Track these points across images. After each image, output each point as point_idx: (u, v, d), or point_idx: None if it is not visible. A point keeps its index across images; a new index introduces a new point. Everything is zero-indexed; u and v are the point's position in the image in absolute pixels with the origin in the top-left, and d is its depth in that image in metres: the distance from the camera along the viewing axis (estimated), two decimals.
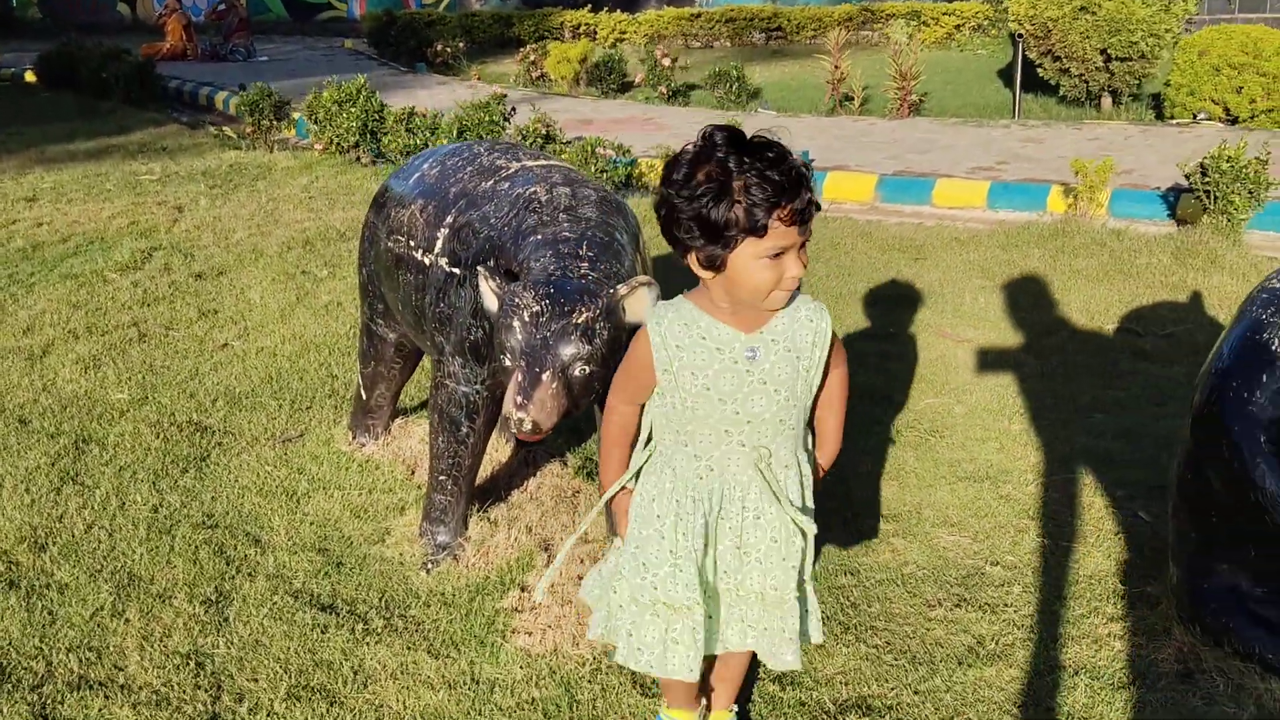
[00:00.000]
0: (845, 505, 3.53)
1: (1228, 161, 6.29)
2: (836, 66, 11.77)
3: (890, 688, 2.66)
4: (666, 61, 13.26)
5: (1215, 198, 6.34)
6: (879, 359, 4.78)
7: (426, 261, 3.10)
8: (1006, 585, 3.08)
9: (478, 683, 2.68)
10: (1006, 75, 12.32)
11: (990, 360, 4.75)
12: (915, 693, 2.64)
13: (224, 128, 10.88)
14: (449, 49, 16.42)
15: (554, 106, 11.93)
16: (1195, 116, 10.17)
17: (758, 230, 1.89)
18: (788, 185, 1.89)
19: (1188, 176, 6.54)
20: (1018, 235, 6.65)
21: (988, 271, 6.01)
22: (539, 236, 2.83)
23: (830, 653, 2.79)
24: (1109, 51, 10.76)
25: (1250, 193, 6.28)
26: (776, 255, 1.93)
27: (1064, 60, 11.04)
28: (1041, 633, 2.85)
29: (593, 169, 7.67)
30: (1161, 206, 7.10)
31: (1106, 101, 11.20)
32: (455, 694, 2.64)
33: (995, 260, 6.21)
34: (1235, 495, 2.54)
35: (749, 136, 1.97)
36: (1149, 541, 3.20)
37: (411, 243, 3.18)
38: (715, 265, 1.96)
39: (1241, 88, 9.92)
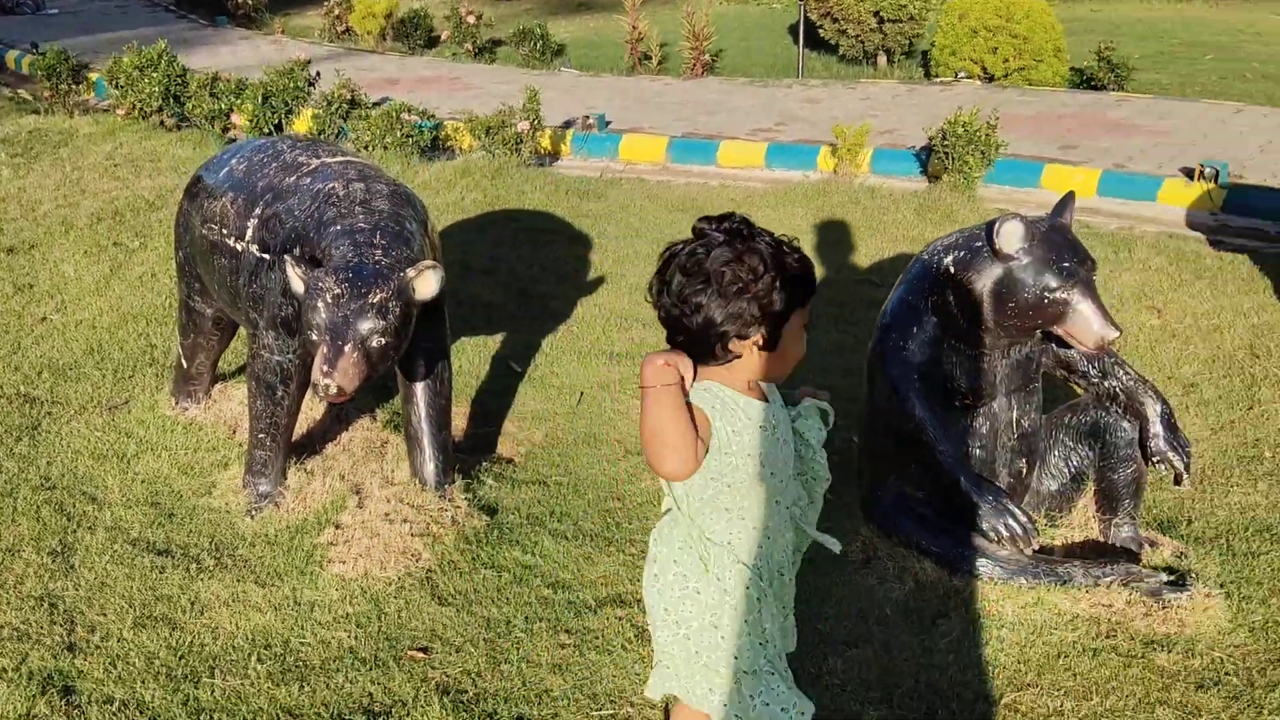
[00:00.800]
0: (617, 445, 4.17)
1: (963, 127, 7.16)
2: (634, 26, 12.32)
3: (639, 586, 3.31)
4: (471, 19, 13.55)
5: (953, 158, 7.22)
6: (655, 315, 5.41)
7: (239, 248, 3.56)
8: None
9: (299, 604, 3.21)
10: (797, 32, 13.13)
11: None
12: None
13: (19, 90, 10.70)
14: (250, 0, 16.24)
15: (359, 65, 12.14)
16: (957, 75, 11.15)
17: (805, 302, 2.07)
18: (806, 260, 2.08)
19: (930, 139, 7.40)
20: (788, 194, 7.39)
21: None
22: (338, 227, 3.32)
23: (595, 561, 3.43)
24: (881, 14, 11.66)
25: (982, 153, 7.17)
26: (806, 324, 2.10)
27: (841, 22, 11.89)
28: None
29: (399, 133, 8.05)
30: (915, 164, 7.96)
31: (882, 60, 12.13)
32: (281, 614, 3.16)
33: (767, 219, 6.90)
34: (898, 422, 3.27)
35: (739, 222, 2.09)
36: (855, 460, 3.94)
37: (224, 231, 3.62)
38: (775, 344, 2.05)
39: (996, 48, 10.93)
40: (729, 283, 1.99)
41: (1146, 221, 6.98)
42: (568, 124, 9.12)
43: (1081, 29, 14.14)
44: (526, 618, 3.18)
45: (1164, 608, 3.09)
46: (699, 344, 2.05)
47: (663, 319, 2.09)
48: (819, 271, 5.95)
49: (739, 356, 2.06)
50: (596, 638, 3.09)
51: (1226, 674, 2.90)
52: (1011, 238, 3.05)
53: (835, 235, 6.52)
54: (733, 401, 2.09)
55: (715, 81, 11.52)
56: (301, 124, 8.80)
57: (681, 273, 2.03)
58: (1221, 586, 3.21)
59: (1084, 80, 10.80)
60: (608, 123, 9.28)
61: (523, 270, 6.00)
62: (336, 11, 15.02)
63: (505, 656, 3.02)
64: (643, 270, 6.04)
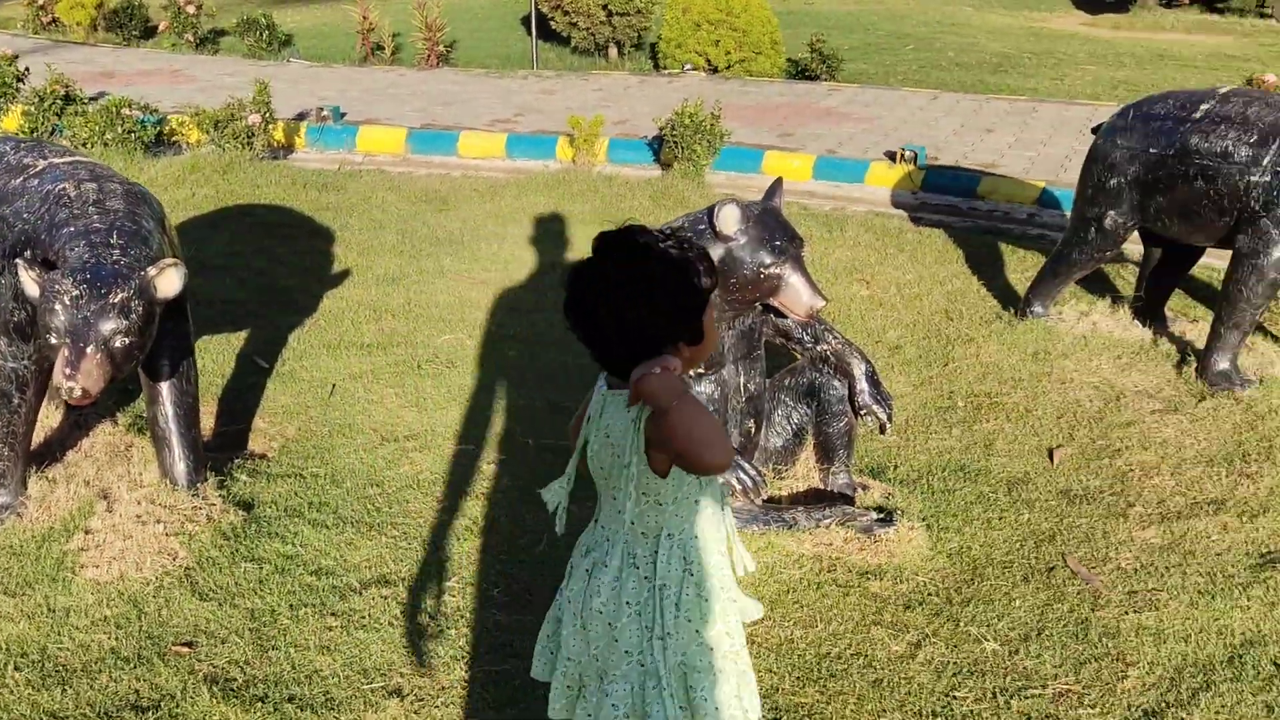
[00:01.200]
0: (373, 433, 4.26)
1: (690, 117, 7.56)
2: (364, 16, 12.21)
3: (405, 566, 3.44)
4: (191, 8, 13.04)
5: (682, 147, 7.61)
6: (404, 305, 5.52)
7: None
8: (496, 478, 3.96)
9: (54, 611, 3.16)
10: (530, 23, 13.33)
11: (498, 298, 5.63)
12: (423, 565, 3.44)
13: None
14: None
15: (70, 58, 11.49)
16: (684, 67, 11.67)
17: (714, 288, 2.09)
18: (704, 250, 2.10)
19: (661, 129, 7.77)
20: (530, 184, 7.59)
21: (503, 218, 6.89)
22: (71, 229, 3.27)
23: (358, 546, 3.53)
24: (610, 7, 12.03)
25: (709, 142, 7.60)
26: None
27: (572, 14, 12.19)
28: (512, 509, 3.75)
29: (120, 130, 7.73)
30: (649, 153, 8.33)
31: (613, 52, 12.52)
32: (35, 622, 3.11)
33: (510, 208, 7.11)
34: None
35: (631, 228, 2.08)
36: None
37: None
38: (700, 336, 2.05)
39: (719, 41, 11.51)
40: (672, 288, 1.99)
41: (856, 202, 7.60)
42: (301, 116, 8.99)
43: (796, 22, 15.02)
44: (291, 605, 3.25)
45: (875, 542, 3.49)
46: (639, 353, 2.00)
47: (594, 338, 2.04)
48: (562, 257, 6.20)
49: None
50: (363, 618, 3.20)
51: (929, 594, 3.32)
52: (729, 220, 3.36)
53: (577, 223, 6.78)
54: None
55: (451, 72, 11.59)
56: (10, 122, 8.30)
57: (617, 289, 1.98)
58: (923, 520, 3.65)
59: (799, 71, 11.53)
60: (343, 115, 9.21)
61: (264, 266, 5.95)
62: (41, 1, 14.11)
63: (272, 644, 3.09)
64: (389, 262, 6.10)
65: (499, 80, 11.16)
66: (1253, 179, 4.40)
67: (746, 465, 3.47)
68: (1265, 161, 4.38)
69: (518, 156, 8.54)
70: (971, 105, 10.14)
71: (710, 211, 3.41)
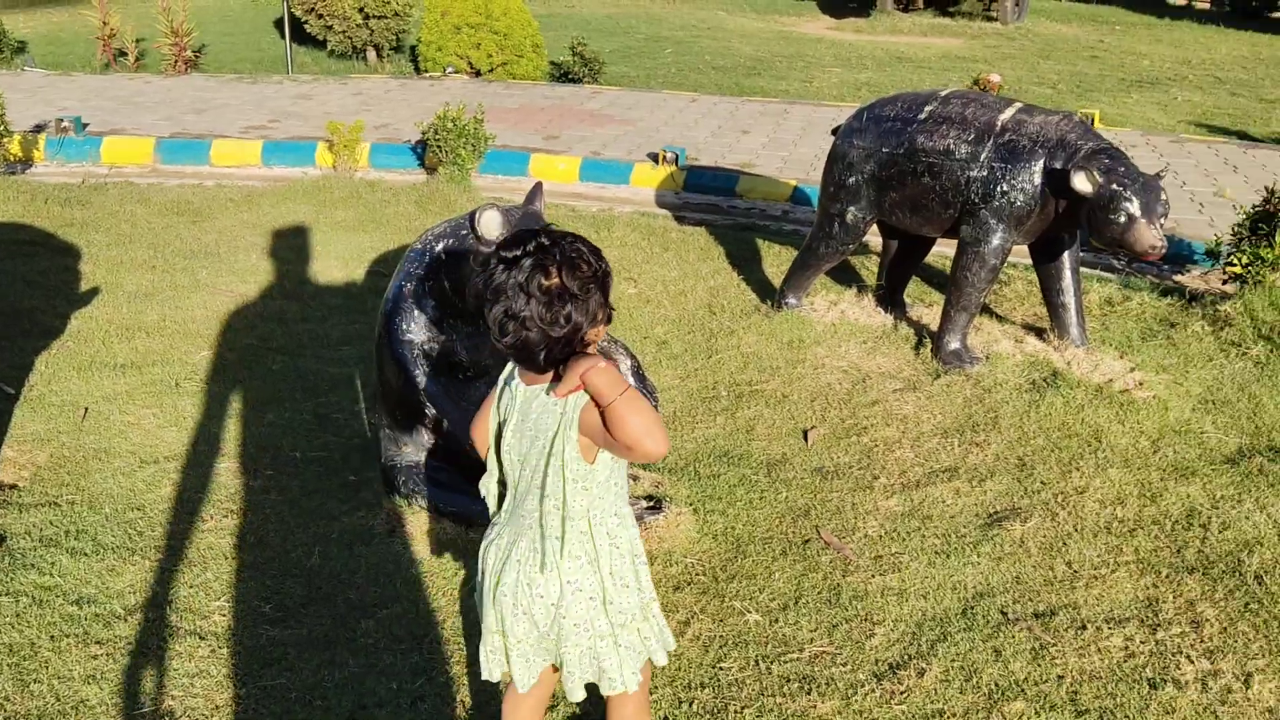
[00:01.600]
0: (131, 456, 4.12)
1: (452, 121, 7.58)
2: (105, 21, 11.61)
3: (171, 589, 3.36)
4: None
5: (446, 151, 7.62)
6: (159, 322, 5.32)
7: None
8: (264, 493, 3.90)
9: None
10: (283, 26, 12.97)
11: (258, 310, 5.51)
12: (190, 587, 3.37)
13: None
14: None
15: None
16: (445, 70, 11.64)
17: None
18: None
19: (424, 134, 7.76)
20: (288, 191, 7.43)
21: (260, 228, 6.73)
22: None
23: (121, 572, 3.42)
24: (366, 10, 11.86)
25: (473, 146, 7.64)
26: None
27: (327, 17, 11.95)
28: (282, 523, 3.71)
29: None
30: (413, 158, 8.29)
31: (372, 55, 12.35)
32: None
33: (268, 217, 6.94)
34: (409, 398, 3.57)
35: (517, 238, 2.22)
36: (374, 438, 4.20)
37: None
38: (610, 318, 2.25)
39: (480, 44, 11.54)
40: (582, 285, 2.16)
41: (623, 202, 7.80)
42: (39, 128, 8.50)
43: (558, 25, 15.21)
44: (53, 637, 3.12)
45: (646, 529, 3.64)
46: (560, 351, 2.17)
47: (518, 344, 2.17)
48: (325, 266, 6.11)
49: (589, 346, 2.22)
50: (130, 644, 3.11)
51: (698, 575, 3.49)
52: (490, 225, 3.43)
53: (340, 230, 6.69)
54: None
55: (201, 79, 11.17)
56: None
57: (535, 294, 2.13)
58: (690, 505, 3.83)
59: (562, 74, 11.70)
60: (85, 125, 8.76)
61: (5, 286, 5.61)
62: None
63: (34, 677, 2.96)
64: (140, 277, 5.86)
65: (252, 86, 10.84)
66: (972, 174, 4.81)
67: None
68: (982, 158, 4.79)
69: (275, 164, 8.34)
70: (728, 107, 10.55)
71: (472, 217, 3.48)
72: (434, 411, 3.54)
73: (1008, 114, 4.87)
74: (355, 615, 3.26)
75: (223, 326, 5.31)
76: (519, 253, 2.16)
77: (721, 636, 3.21)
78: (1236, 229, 5.79)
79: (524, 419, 2.28)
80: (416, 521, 3.65)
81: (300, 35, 12.19)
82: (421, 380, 3.53)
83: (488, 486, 2.45)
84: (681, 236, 6.88)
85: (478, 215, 3.44)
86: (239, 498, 3.88)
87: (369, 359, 4.94)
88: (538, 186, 3.74)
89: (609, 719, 2.54)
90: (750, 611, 3.31)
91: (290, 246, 6.42)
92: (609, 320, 2.25)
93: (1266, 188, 5.79)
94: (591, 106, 10.25)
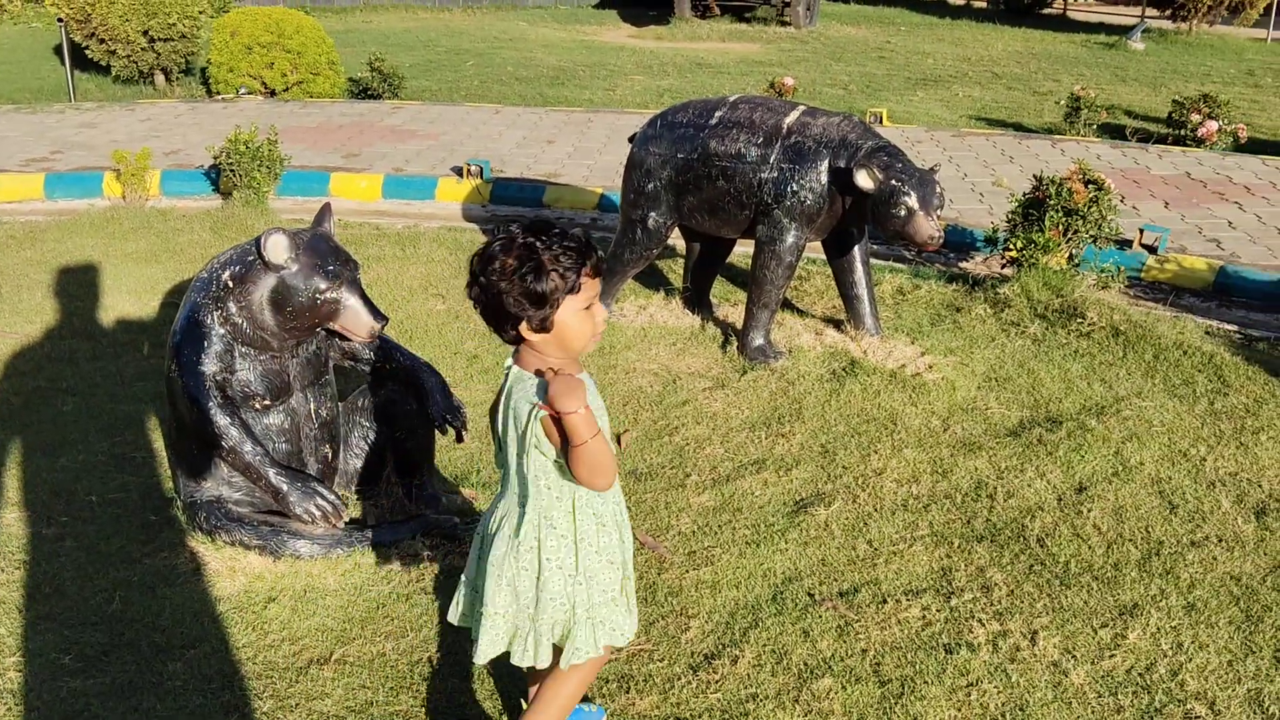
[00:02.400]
0: None
1: (245, 144, 7.38)
2: None
3: None
4: None
5: (241, 175, 7.42)
6: None
7: None
8: (59, 540, 3.73)
9: None
10: (62, 52, 12.38)
11: (46, 351, 5.25)
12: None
13: None
14: None
15: None
16: (239, 91, 11.31)
17: (574, 289, 2.32)
18: (583, 248, 2.34)
19: (215, 159, 7.53)
20: (75, 225, 7.10)
21: (46, 265, 6.40)
22: None
23: None
24: (151, 33, 11.42)
25: (268, 168, 7.46)
26: (588, 306, 2.37)
27: (109, 42, 11.46)
28: (79, 570, 3.56)
29: None
30: (206, 183, 8.03)
31: (160, 79, 11.89)
32: None
33: (53, 253, 6.61)
34: (202, 431, 3.47)
35: (526, 223, 2.38)
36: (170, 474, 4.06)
37: None
38: (546, 327, 2.33)
39: (273, 63, 11.25)
40: (498, 279, 2.30)
41: (429, 218, 7.75)
42: None
43: (355, 40, 14.97)
44: None
45: (460, 545, 3.64)
46: (500, 323, 2.37)
47: (477, 298, 2.37)
48: (116, 300, 5.86)
49: (523, 338, 2.37)
50: None
51: None
52: (278, 249, 3.38)
53: (132, 261, 6.43)
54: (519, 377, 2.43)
55: None
56: None
57: (482, 262, 2.34)
58: None
59: (361, 90, 11.52)
60: None
61: None
62: None
63: None
64: None
65: (31, 116, 10.30)
66: (763, 176, 4.98)
67: (324, 491, 3.51)
68: (772, 160, 4.97)
69: (59, 197, 7.96)
70: (532, 118, 10.60)
71: (258, 242, 3.41)
72: (230, 444, 3.45)
73: (792, 117, 5.06)
74: (161, 659, 3.15)
75: (6, 371, 5.04)
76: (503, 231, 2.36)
77: None
78: (1011, 216, 6.17)
79: (508, 398, 2.44)
80: (221, 558, 3.55)
81: (82, 61, 11.65)
82: (215, 413, 3.44)
83: (498, 459, 2.59)
84: None
85: (264, 240, 3.38)
86: (30, 548, 3.69)
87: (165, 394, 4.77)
88: (326, 208, 3.69)
89: (548, 688, 2.63)
90: None
91: (79, 282, 6.14)
92: (541, 329, 2.35)
93: (1034, 175, 6.19)
94: (392, 122, 10.14)
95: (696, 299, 5.80)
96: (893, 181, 4.75)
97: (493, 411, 2.55)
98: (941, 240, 4.78)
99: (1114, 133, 10.45)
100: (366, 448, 3.90)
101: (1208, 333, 5.63)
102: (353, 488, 3.89)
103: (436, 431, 3.89)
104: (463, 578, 2.71)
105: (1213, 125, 9.56)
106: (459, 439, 3.89)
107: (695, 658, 3.18)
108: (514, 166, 8.73)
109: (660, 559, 3.66)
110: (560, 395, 2.29)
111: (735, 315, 5.67)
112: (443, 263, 6.60)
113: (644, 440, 4.49)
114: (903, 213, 4.74)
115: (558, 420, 2.31)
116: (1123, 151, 9.33)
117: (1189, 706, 2.96)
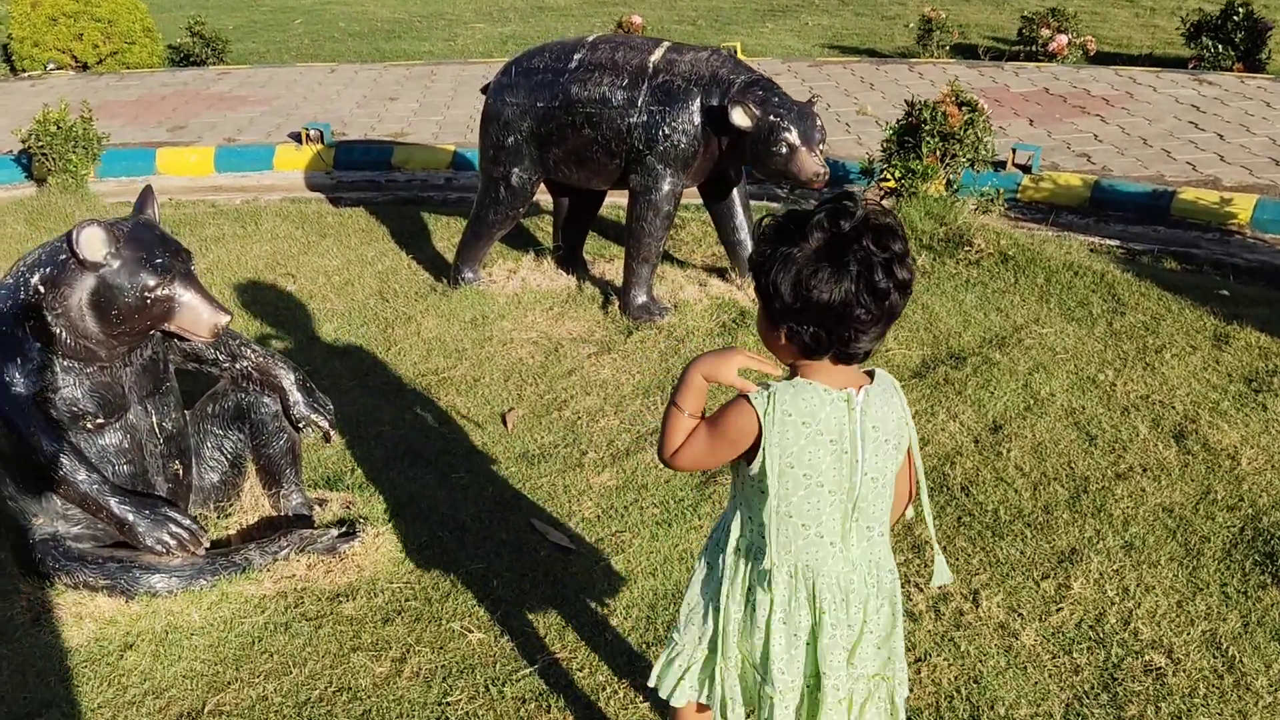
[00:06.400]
0: None
1: (57, 124, 6.67)
2: None
3: None
4: None
5: (54, 159, 6.72)
6: None
7: None
8: None
9: None
10: None
11: None
12: None
13: None
14: None
15: None
16: (47, 67, 10.37)
17: None
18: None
19: (24, 142, 6.80)
20: None
21: None
22: None
23: None
24: None
25: (85, 149, 6.77)
26: None
27: None
28: None
29: None
30: (17, 170, 7.27)
31: None
32: None
33: None
34: (28, 461, 2.98)
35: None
36: None
37: None
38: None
39: (82, 34, 10.34)
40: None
41: (269, 190, 7.17)
42: None
43: (172, 5, 13.98)
44: None
45: (342, 560, 3.25)
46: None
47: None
48: None
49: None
50: None
51: (408, 600, 3.14)
52: (93, 244, 2.90)
53: None
54: None
55: None
56: None
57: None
58: (388, 520, 3.46)
59: (182, 58, 10.71)
60: None
61: None
62: None
63: None
64: None
65: None
66: (632, 120, 4.63)
67: (178, 515, 3.06)
68: (640, 103, 4.61)
69: None
70: (370, 75, 9.98)
71: (69, 237, 2.92)
72: (61, 474, 2.97)
73: (658, 55, 4.71)
74: None
75: None
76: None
77: (444, 666, 2.88)
78: (886, 144, 5.95)
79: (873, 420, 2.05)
80: (65, 604, 3.08)
81: None
82: (39, 439, 2.95)
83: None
84: (340, 220, 6.38)
85: (75, 234, 2.89)
86: None
87: None
88: (147, 191, 3.21)
89: None
90: (472, 630, 3.00)
91: None
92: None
93: (906, 101, 5.98)
94: (220, 89, 9.41)
95: (570, 258, 5.44)
96: (771, 117, 4.45)
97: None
98: (827, 176, 4.51)
99: (967, 53, 10.39)
100: (222, 459, 3.45)
101: (1092, 250, 5.54)
102: (211, 506, 3.44)
103: (300, 433, 3.48)
104: (696, 650, 2.16)
105: (1063, 39, 9.55)
106: (326, 439, 3.49)
107: (618, 661, 2.87)
108: (356, 128, 8.16)
109: (565, 551, 3.33)
110: None
111: (613, 272, 5.33)
112: (289, 238, 6.08)
113: (532, 418, 4.13)
114: (784, 150, 4.46)
115: None
116: (979, 71, 9.25)
117: (1147, 658, 2.79)
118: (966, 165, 5.87)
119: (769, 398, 1.91)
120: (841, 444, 1.92)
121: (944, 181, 5.79)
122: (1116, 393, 4.07)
